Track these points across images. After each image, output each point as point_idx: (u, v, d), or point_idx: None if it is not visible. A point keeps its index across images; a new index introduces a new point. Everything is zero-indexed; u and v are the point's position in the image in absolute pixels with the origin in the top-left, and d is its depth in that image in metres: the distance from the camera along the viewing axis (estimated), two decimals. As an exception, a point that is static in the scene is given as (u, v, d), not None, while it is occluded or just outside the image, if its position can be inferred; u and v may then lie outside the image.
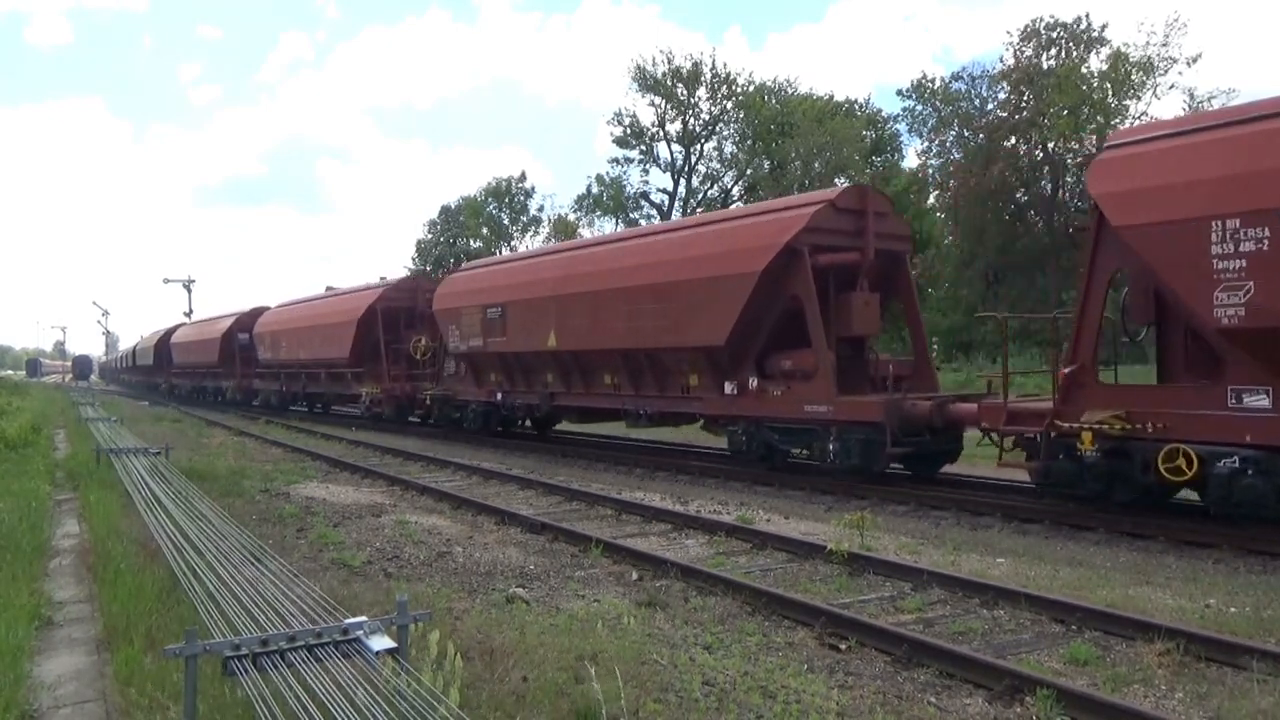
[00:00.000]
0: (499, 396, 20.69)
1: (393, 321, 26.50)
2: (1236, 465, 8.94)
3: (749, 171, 50.85)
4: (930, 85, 46.53)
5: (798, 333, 13.73)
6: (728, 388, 14.66)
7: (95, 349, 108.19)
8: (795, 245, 13.43)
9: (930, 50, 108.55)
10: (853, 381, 13.89)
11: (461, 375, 22.52)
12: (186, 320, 54.68)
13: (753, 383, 14.28)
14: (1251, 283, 8.56)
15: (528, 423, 22.16)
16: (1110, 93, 38.15)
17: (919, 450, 12.76)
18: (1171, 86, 40.89)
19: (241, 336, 36.98)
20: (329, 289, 34.93)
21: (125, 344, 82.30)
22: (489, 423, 21.74)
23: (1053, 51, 40.31)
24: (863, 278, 13.96)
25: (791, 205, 14.83)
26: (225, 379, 39.17)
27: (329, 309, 29.79)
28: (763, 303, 13.91)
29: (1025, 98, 40.40)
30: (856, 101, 52.36)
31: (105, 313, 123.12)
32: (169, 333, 49.61)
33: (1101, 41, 39.54)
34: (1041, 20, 40.29)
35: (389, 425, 26.14)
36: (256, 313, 37.35)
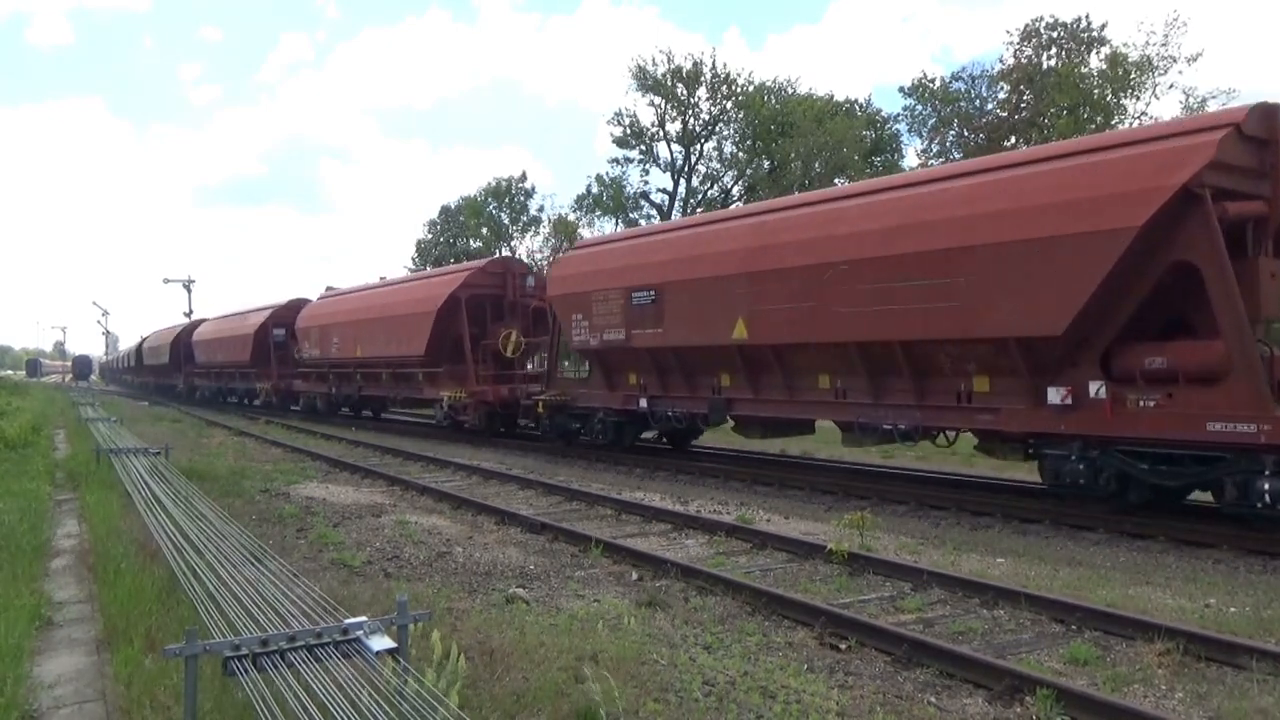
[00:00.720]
0: (642, 403, 16.63)
1: (478, 313, 22.66)
2: None
3: (749, 171, 50.89)
4: (930, 85, 46.55)
5: (1166, 316, 10.23)
6: (1053, 395, 10.57)
7: (95, 349, 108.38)
8: (1193, 188, 9.21)
9: (930, 50, 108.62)
10: None
11: (585, 377, 18.50)
12: (187, 316, 54.40)
13: (1097, 389, 10.25)
14: None
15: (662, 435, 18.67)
16: (1110, 93, 38.17)
17: None
18: (1171, 86, 40.92)
19: (277, 332, 33.77)
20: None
21: (125, 344, 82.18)
22: (622, 436, 17.63)
23: (1052, 51, 40.34)
24: (1268, 237, 9.85)
25: (1175, 131, 10.08)
26: (259, 380, 35.43)
27: (398, 298, 25.92)
28: (1128, 273, 9.80)
29: (1025, 98, 40.42)
30: (856, 101, 52.40)
31: (105, 313, 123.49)
32: (189, 329, 46.40)
33: (1101, 41, 39.57)
34: (1041, 20, 40.31)
35: (389, 425, 25.90)
36: (296, 305, 33.91)
